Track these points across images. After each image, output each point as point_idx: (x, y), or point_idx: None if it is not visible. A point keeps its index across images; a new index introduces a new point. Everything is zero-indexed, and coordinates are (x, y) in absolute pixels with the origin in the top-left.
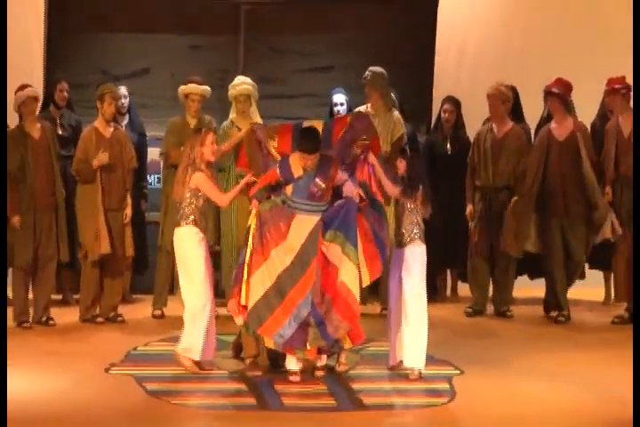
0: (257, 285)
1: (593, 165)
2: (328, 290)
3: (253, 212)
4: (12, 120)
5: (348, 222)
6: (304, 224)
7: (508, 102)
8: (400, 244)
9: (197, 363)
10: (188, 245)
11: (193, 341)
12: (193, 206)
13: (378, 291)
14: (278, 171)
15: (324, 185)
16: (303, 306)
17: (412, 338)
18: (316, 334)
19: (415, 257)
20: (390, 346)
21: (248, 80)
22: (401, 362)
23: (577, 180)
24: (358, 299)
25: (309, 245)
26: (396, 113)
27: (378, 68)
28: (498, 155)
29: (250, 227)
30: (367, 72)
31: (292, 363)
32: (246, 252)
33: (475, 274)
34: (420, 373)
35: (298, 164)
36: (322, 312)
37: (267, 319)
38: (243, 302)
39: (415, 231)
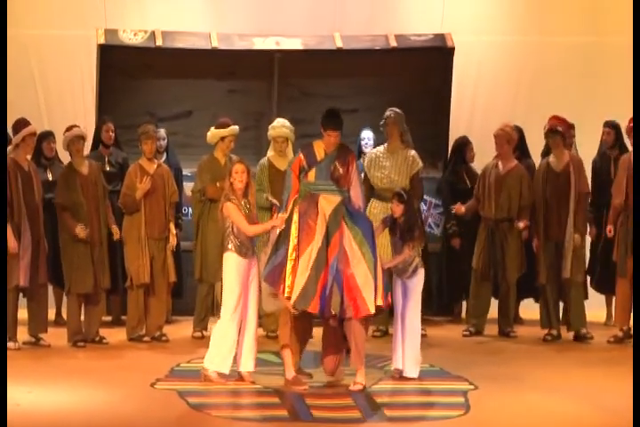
0: (303, 266)
1: (581, 195)
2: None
3: (288, 210)
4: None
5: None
6: (328, 202)
7: (512, 142)
8: (402, 275)
9: (239, 374)
10: (227, 270)
11: (221, 355)
12: (229, 232)
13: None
14: (302, 156)
15: (341, 170)
16: (330, 273)
17: (411, 352)
18: (336, 301)
19: (415, 284)
20: (393, 354)
21: (287, 124)
22: (401, 370)
23: (569, 207)
24: (370, 298)
25: (333, 219)
26: (413, 151)
27: (397, 109)
28: (499, 190)
29: (290, 225)
30: (388, 111)
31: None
32: (288, 248)
33: (477, 301)
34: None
35: (320, 148)
36: (343, 280)
37: (314, 297)
38: (287, 294)
39: (415, 263)
